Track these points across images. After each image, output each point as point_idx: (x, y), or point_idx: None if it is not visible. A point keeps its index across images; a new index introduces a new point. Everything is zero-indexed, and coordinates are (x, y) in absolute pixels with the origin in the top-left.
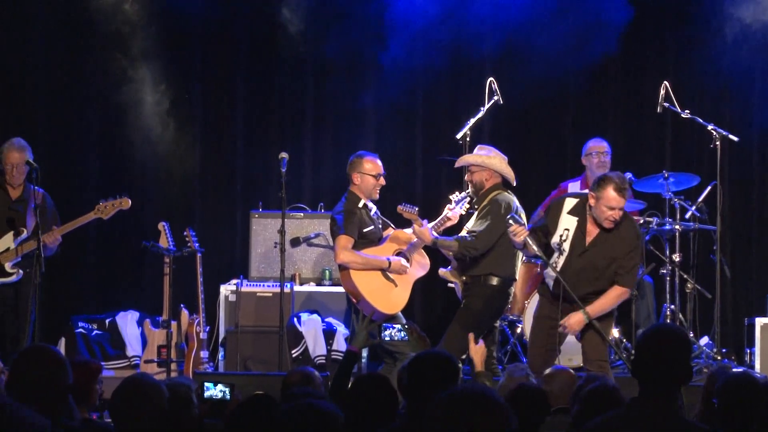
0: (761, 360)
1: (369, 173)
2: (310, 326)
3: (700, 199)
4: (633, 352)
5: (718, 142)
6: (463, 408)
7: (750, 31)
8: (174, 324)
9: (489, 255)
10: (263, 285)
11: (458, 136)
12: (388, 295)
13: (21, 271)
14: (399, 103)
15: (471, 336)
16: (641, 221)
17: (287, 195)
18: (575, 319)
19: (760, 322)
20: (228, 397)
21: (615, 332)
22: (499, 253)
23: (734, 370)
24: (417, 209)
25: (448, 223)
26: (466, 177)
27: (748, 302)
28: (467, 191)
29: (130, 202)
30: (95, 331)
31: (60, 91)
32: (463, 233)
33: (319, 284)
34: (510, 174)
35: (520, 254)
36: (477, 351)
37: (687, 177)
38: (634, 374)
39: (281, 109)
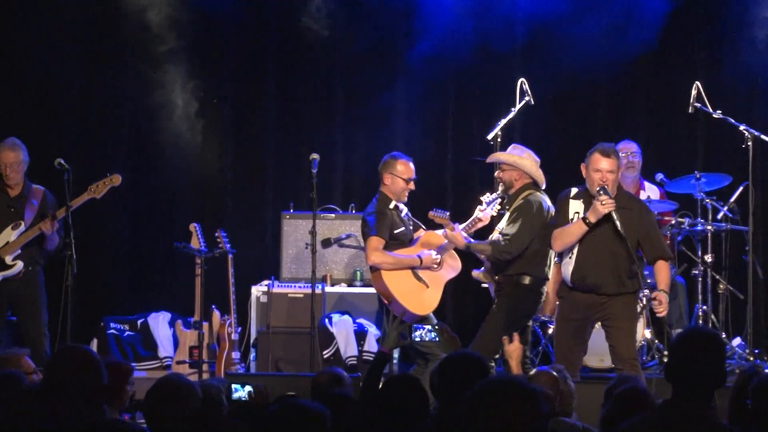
0: None
1: (400, 176)
2: (342, 327)
3: (732, 200)
4: (666, 353)
5: (750, 143)
6: (496, 397)
7: None
8: (206, 325)
9: (522, 255)
10: (294, 286)
11: (489, 137)
12: (419, 296)
13: (21, 263)
14: (430, 103)
15: (506, 338)
16: (673, 221)
17: (318, 196)
18: (663, 299)
19: None
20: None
21: (647, 333)
22: (531, 253)
23: (767, 370)
24: (448, 214)
25: (480, 224)
26: (496, 173)
27: None
28: (498, 192)
29: (120, 177)
30: (127, 332)
31: (91, 94)
32: (496, 234)
33: (350, 285)
34: (540, 177)
35: (552, 254)
36: (513, 352)
37: (719, 177)
38: (667, 377)
39: (312, 110)
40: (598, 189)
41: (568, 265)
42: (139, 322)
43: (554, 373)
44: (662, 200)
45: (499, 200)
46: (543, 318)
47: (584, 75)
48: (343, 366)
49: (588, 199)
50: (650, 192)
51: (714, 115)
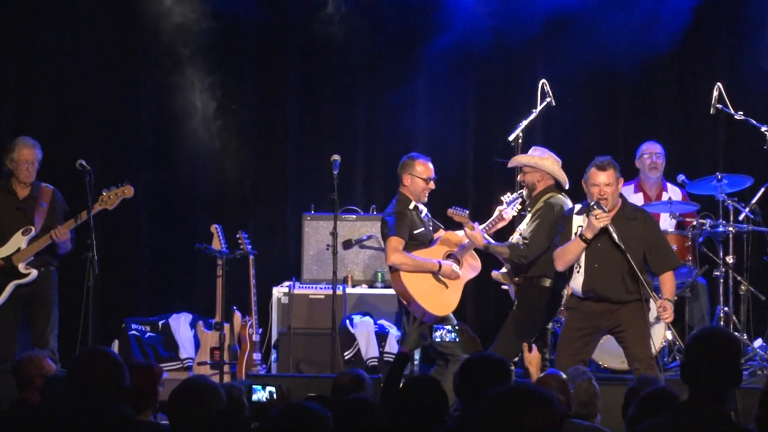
0: None
1: (420, 176)
2: (363, 328)
3: (754, 201)
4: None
5: None
6: (511, 404)
7: None
8: (227, 326)
9: (542, 257)
10: (315, 287)
11: (510, 138)
12: (438, 297)
13: (35, 272)
14: (451, 103)
15: (525, 346)
16: (695, 223)
17: (339, 197)
18: (668, 306)
19: None
20: (274, 397)
21: (668, 334)
22: (552, 254)
23: None
24: (468, 212)
25: (500, 224)
26: (518, 177)
27: None
28: (519, 192)
29: (132, 189)
30: (148, 334)
31: (112, 96)
32: (516, 235)
33: (371, 286)
34: (562, 177)
35: None
36: (532, 360)
37: (740, 179)
38: (683, 378)
39: (333, 111)
40: (592, 203)
41: (578, 278)
42: (160, 323)
43: (563, 376)
44: (684, 201)
45: (520, 200)
46: (563, 320)
47: (605, 76)
48: (364, 367)
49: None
50: (672, 193)
51: (736, 117)
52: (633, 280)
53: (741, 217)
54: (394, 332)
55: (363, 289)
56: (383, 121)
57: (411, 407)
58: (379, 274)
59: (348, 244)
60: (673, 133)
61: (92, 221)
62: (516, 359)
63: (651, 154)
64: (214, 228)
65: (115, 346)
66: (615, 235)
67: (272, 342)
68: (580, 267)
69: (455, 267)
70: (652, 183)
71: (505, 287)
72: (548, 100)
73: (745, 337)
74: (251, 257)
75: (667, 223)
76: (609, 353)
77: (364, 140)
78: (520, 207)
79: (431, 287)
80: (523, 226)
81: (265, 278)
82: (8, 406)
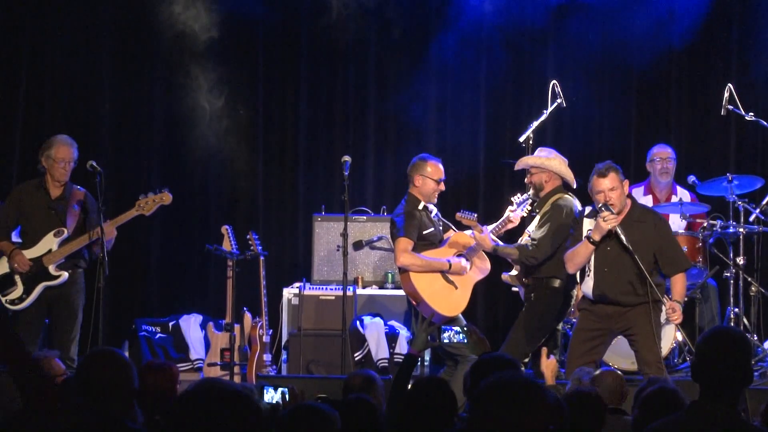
0: None
1: (431, 177)
2: (373, 329)
3: (765, 202)
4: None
5: None
6: (503, 397)
7: None
8: (237, 327)
9: (552, 258)
10: (326, 288)
11: (521, 139)
12: (448, 298)
13: (66, 274)
14: (461, 104)
15: (544, 350)
16: (705, 224)
17: (350, 198)
18: (677, 308)
19: None
20: (287, 398)
21: (678, 335)
22: (561, 256)
23: None
24: (476, 216)
25: (510, 225)
26: (526, 179)
27: None
28: (529, 193)
29: (171, 196)
30: (159, 335)
31: (123, 98)
32: (525, 237)
33: (381, 287)
34: (569, 176)
35: None
36: (549, 366)
37: (751, 180)
38: (694, 378)
39: (343, 112)
40: (600, 206)
41: (588, 282)
42: (170, 324)
43: (618, 372)
44: (694, 203)
45: (530, 201)
46: (575, 321)
47: (616, 77)
48: (374, 368)
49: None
50: (682, 196)
51: (746, 118)
52: (642, 282)
53: (751, 219)
54: (404, 333)
55: (373, 290)
56: (393, 122)
57: (419, 408)
58: (390, 275)
59: (358, 245)
60: (684, 134)
61: (102, 222)
62: (526, 360)
63: (662, 159)
64: (225, 229)
65: (125, 348)
66: (623, 238)
67: (282, 343)
68: (590, 271)
69: (464, 261)
70: (663, 186)
71: (515, 289)
72: (559, 101)
73: (756, 338)
74: (262, 258)
75: (677, 224)
76: (618, 354)
77: (375, 141)
78: (529, 208)
79: (441, 288)
80: (532, 227)
81: (275, 279)
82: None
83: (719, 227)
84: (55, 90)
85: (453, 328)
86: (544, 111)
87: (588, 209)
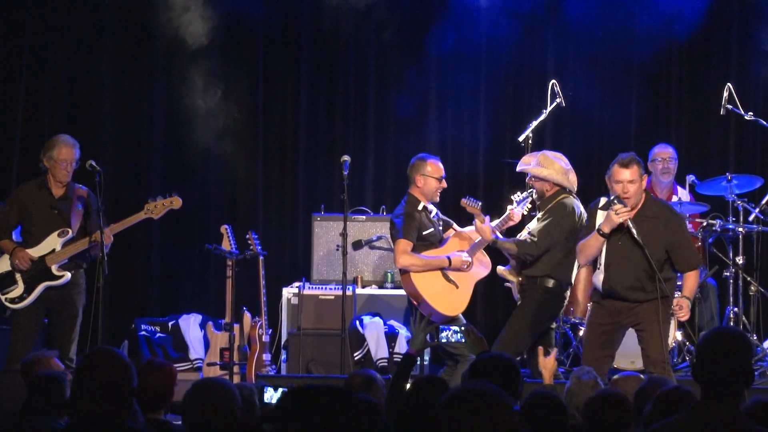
0: None
1: (432, 176)
2: (373, 329)
3: (764, 201)
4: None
5: None
6: (464, 408)
7: None
8: (236, 327)
9: (548, 257)
10: (325, 288)
11: (520, 139)
12: (449, 297)
13: (69, 274)
14: (461, 103)
15: (541, 349)
16: (704, 224)
17: (349, 197)
18: (685, 304)
19: None
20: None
21: (678, 335)
22: (558, 256)
23: None
24: (480, 204)
25: (510, 224)
26: (527, 180)
27: None
28: (528, 191)
29: (180, 201)
30: (158, 334)
31: (123, 98)
32: (524, 233)
33: (380, 287)
34: (568, 184)
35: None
36: (547, 365)
37: (750, 179)
38: (695, 378)
39: (343, 111)
40: (612, 198)
41: (599, 276)
42: (170, 323)
43: (641, 376)
44: (693, 202)
45: (530, 199)
46: (574, 320)
47: (616, 77)
48: (374, 368)
49: None
50: (681, 196)
51: (746, 117)
52: (651, 279)
53: (751, 218)
54: (403, 333)
55: (373, 290)
56: (393, 121)
57: (418, 408)
58: (389, 275)
59: (358, 245)
60: (683, 134)
61: (102, 224)
62: (518, 358)
63: (663, 159)
64: (224, 228)
65: (125, 347)
66: (634, 231)
67: (282, 343)
68: (601, 265)
69: (465, 256)
70: (664, 186)
71: (508, 285)
72: (558, 100)
73: (755, 338)
74: (261, 258)
75: None
76: (619, 354)
77: (374, 141)
78: (530, 206)
79: (442, 287)
80: (533, 225)
81: (274, 279)
82: (17, 408)
83: (718, 227)
84: (55, 90)
85: (451, 327)
86: (544, 111)
87: (603, 200)
